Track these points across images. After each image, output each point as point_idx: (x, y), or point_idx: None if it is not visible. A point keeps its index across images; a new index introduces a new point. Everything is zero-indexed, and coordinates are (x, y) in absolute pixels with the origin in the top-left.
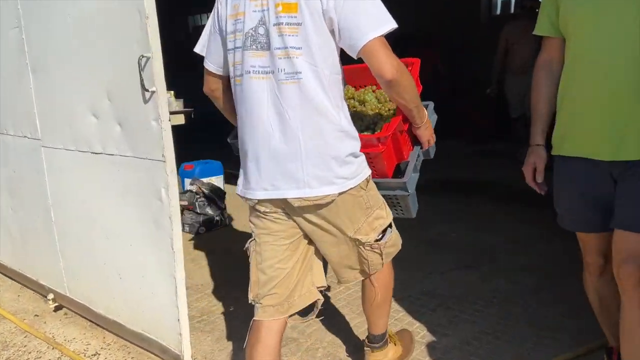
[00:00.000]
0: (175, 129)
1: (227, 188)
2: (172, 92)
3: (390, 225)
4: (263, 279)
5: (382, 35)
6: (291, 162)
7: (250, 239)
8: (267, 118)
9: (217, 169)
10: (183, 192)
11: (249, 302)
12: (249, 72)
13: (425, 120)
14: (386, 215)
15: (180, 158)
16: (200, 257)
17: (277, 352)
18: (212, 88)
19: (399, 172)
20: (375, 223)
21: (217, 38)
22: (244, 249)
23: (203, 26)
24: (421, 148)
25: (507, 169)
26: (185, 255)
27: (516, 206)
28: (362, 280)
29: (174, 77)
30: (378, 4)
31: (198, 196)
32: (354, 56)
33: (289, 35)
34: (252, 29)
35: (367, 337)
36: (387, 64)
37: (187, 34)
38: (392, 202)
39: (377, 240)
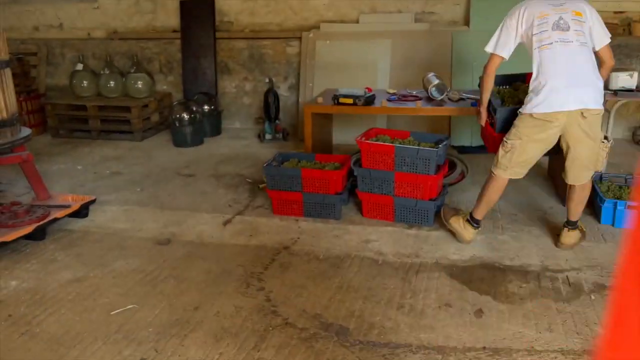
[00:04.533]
0: None
1: None
2: None
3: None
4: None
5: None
6: (584, 88)
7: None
8: (569, 64)
9: None
10: None
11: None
12: (558, 41)
13: None
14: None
15: None
16: None
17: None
18: (496, 69)
19: None
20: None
21: (516, 35)
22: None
23: None
24: None
25: None
26: None
27: None
28: (572, 187)
29: None
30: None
31: None
32: (596, 49)
33: (579, 25)
34: (555, 20)
35: (567, 221)
36: (613, 56)
37: None
38: None
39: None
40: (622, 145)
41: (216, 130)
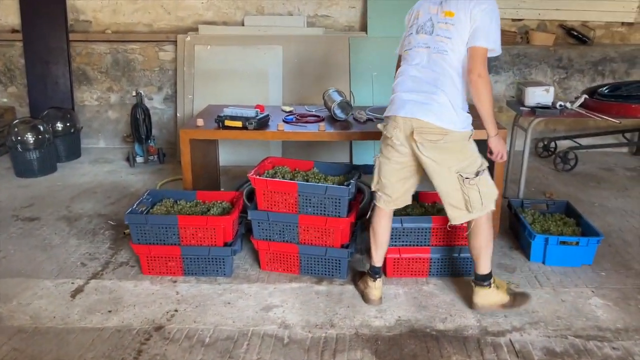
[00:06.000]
0: None
1: None
2: None
3: (483, 171)
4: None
5: (487, 48)
6: (422, 99)
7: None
8: (419, 72)
9: None
10: None
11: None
12: (416, 47)
13: (496, 134)
14: (480, 163)
15: None
16: None
17: (388, 224)
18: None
19: None
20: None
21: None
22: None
23: None
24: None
25: None
26: None
27: None
28: (469, 226)
29: None
30: (497, 29)
31: None
32: (466, 48)
33: (445, 29)
34: (423, 23)
35: (474, 275)
36: (479, 64)
37: None
38: None
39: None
40: (527, 159)
41: (74, 153)
